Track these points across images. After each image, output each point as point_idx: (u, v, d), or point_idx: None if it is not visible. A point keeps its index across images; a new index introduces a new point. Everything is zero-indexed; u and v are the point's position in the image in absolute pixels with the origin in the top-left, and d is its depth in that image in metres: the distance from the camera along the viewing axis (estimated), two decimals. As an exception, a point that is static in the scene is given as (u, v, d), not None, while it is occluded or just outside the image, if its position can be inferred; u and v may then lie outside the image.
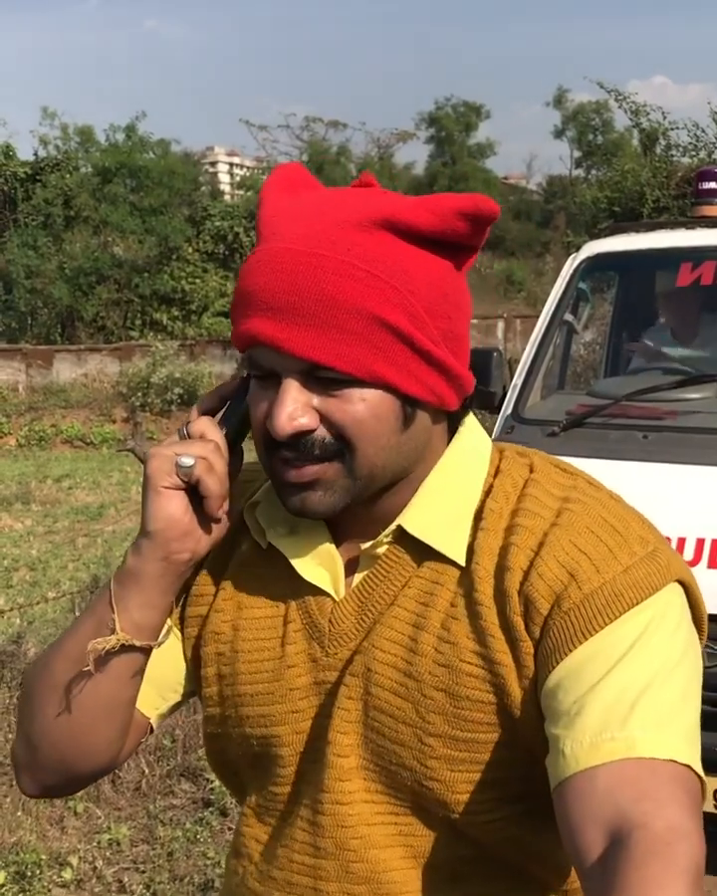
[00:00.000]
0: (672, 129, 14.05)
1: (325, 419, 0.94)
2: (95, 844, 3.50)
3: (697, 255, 4.02)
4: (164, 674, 1.12)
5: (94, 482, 12.25)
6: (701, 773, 0.87)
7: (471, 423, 1.06)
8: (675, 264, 4.09)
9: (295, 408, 0.92)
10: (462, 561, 0.99)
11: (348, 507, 0.98)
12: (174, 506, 0.98)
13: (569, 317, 4.29)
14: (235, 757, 1.12)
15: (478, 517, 1.01)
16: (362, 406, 0.93)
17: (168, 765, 3.97)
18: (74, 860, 3.37)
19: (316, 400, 0.94)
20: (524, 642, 0.95)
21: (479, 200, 0.93)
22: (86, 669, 0.99)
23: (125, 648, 1.00)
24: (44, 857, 3.37)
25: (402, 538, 1.02)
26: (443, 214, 0.93)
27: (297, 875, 1.05)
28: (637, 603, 0.93)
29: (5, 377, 17.22)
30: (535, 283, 26.44)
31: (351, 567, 1.05)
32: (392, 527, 1.01)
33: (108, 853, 3.46)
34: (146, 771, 3.89)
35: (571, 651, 0.92)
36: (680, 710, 0.89)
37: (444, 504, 1.02)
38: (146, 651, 1.03)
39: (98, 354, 17.82)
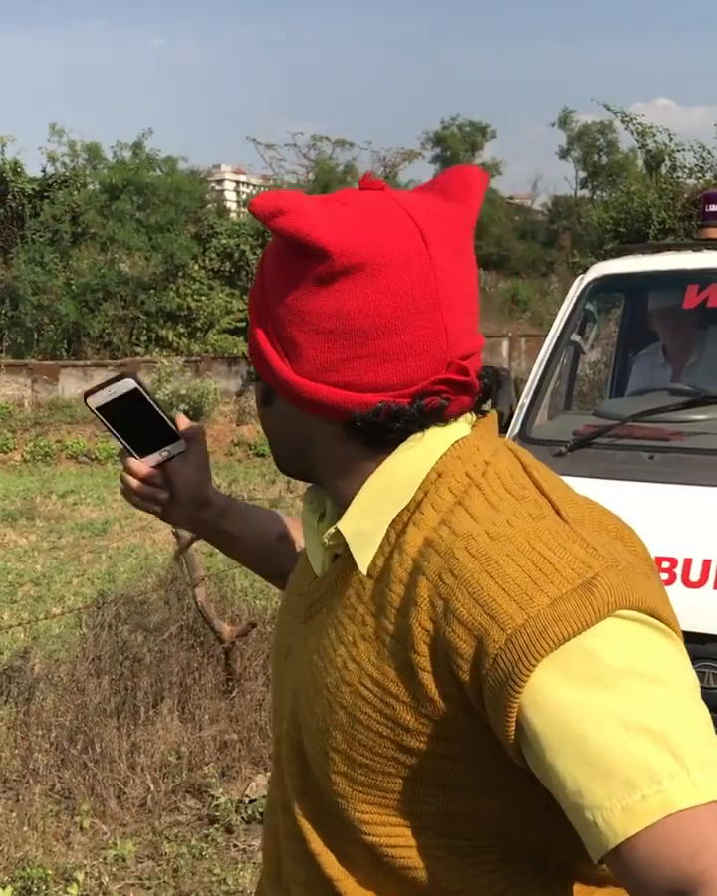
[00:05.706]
0: (678, 151, 14.14)
1: None
2: (101, 860, 3.50)
3: (704, 277, 4.04)
4: None
5: (98, 498, 12.27)
6: None
7: (430, 440, 0.99)
8: (681, 286, 4.11)
9: None
10: (365, 571, 0.97)
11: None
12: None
13: (575, 337, 4.30)
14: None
15: (402, 532, 0.96)
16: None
17: (174, 781, 3.97)
18: (80, 876, 3.37)
19: None
20: (428, 684, 0.89)
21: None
22: None
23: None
24: (50, 873, 3.37)
25: None
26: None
27: (271, 878, 1.12)
28: (559, 645, 0.84)
29: (11, 393, 17.27)
30: (539, 302, 26.51)
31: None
32: (332, 528, 1.00)
33: (113, 869, 3.46)
34: (152, 787, 3.90)
35: (518, 704, 0.84)
36: (694, 741, 0.82)
37: (368, 514, 0.98)
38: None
39: (103, 370, 17.85)
